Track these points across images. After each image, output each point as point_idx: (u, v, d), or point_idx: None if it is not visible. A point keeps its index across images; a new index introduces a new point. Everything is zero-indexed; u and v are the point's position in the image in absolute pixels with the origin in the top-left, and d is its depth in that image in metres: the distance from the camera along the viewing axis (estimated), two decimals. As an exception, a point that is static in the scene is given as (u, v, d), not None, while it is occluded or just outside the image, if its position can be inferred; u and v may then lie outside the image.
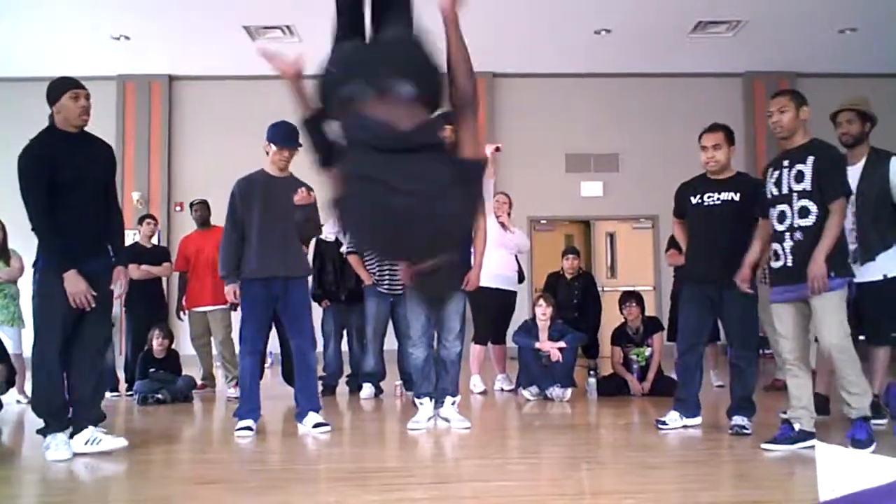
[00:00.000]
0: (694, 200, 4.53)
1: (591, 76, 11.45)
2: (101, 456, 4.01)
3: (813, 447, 3.69)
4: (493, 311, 6.75)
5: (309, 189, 4.72)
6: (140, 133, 11.50)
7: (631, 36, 10.18)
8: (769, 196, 4.07)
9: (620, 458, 3.89)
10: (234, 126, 11.34)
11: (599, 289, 7.89)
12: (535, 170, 11.29)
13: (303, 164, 4.87)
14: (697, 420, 4.54)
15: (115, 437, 4.15)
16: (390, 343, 6.53)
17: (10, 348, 6.12)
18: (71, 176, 3.98)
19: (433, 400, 4.84)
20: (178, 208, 11.33)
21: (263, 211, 4.67)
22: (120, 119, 11.41)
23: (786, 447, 3.83)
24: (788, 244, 3.93)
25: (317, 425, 4.62)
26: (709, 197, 4.47)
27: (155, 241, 7.98)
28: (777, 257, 4.00)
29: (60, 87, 4.05)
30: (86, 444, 4.03)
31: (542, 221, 11.58)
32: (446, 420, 4.75)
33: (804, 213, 3.88)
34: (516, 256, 7.04)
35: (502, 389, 6.80)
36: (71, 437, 4.05)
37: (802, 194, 3.89)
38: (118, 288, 4.22)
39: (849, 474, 1.66)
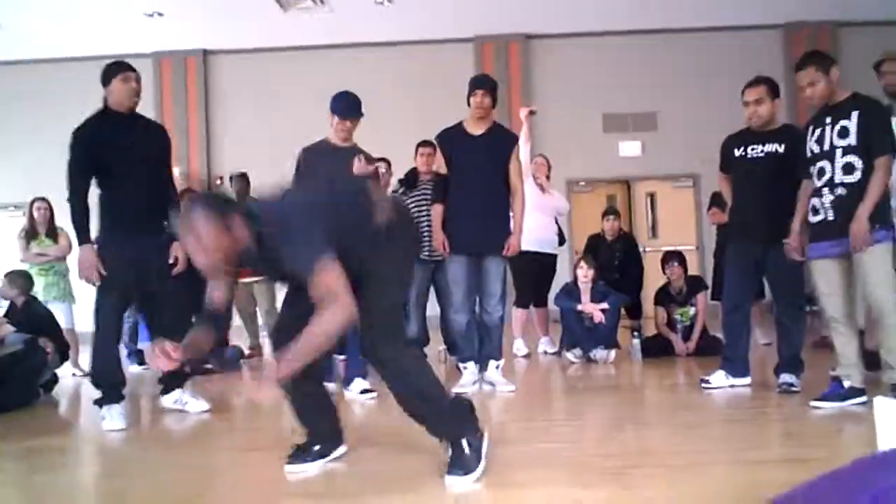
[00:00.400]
0: (738, 153, 4.43)
1: (627, 34, 11.24)
2: (153, 425, 4.13)
3: (863, 404, 3.70)
4: (533, 274, 6.73)
5: (370, 158, 4.80)
6: (178, 109, 11.62)
7: (667, -10, 9.96)
8: (809, 154, 3.93)
9: (665, 419, 3.88)
10: (270, 98, 11.41)
11: (641, 249, 7.81)
12: (572, 131, 11.18)
13: (367, 136, 4.95)
14: (746, 380, 4.48)
15: (202, 401, 4.53)
16: (432, 309, 6.55)
17: (63, 323, 6.28)
18: (120, 155, 4.18)
19: (477, 364, 4.87)
20: (218, 182, 11.46)
21: (328, 181, 4.68)
22: (157, 96, 11.53)
23: (835, 404, 3.78)
24: (828, 198, 3.80)
25: (364, 391, 4.68)
26: (752, 149, 4.37)
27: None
28: (816, 212, 3.89)
29: (112, 71, 4.27)
30: (174, 403, 4.51)
31: (581, 183, 11.48)
32: (491, 384, 4.77)
33: (849, 169, 3.74)
34: (556, 219, 7.00)
35: (546, 352, 6.81)
36: (161, 395, 4.55)
37: (847, 150, 3.75)
38: (178, 265, 4.38)
39: None
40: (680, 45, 11.33)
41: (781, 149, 4.29)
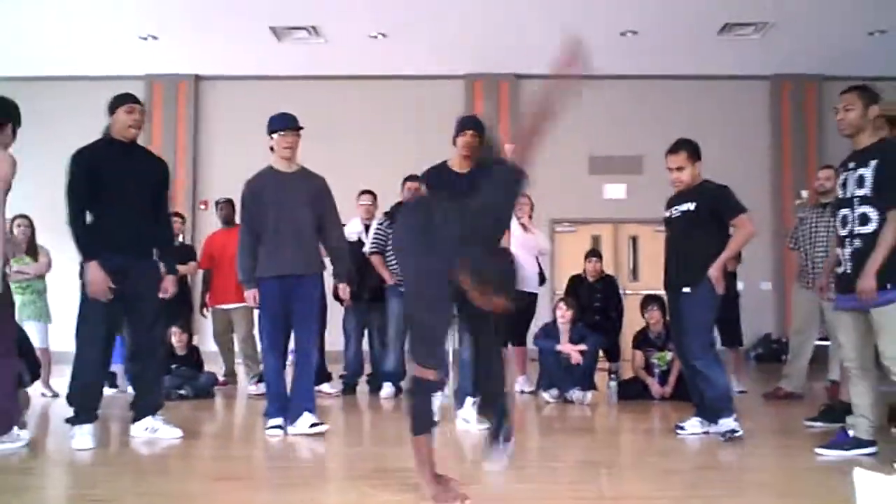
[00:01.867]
0: (666, 214, 4.71)
1: (616, 78, 11.38)
2: (123, 448, 4.08)
3: (871, 455, 3.73)
4: (513, 312, 6.73)
5: (321, 181, 4.81)
6: (167, 132, 11.62)
7: (657, 37, 10.12)
8: (836, 199, 3.99)
9: (640, 463, 3.87)
10: (260, 127, 11.22)
11: (621, 292, 7.84)
12: (557, 171, 11.23)
13: (356, 168, 4.97)
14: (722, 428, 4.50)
15: (173, 427, 4.46)
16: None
17: (37, 342, 6.19)
18: (116, 182, 4.31)
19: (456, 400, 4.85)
20: (202, 206, 11.43)
21: (274, 209, 4.63)
22: (147, 118, 11.51)
23: (840, 453, 3.80)
24: (848, 250, 3.83)
25: (313, 425, 4.54)
26: (675, 209, 4.63)
27: (180, 239, 8.05)
28: (840, 263, 3.93)
29: (119, 101, 4.45)
30: (145, 430, 4.43)
31: (565, 223, 11.54)
32: (466, 420, 4.75)
33: (864, 219, 3.75)
34: (537, 258, 7.02)
35: (522, 391, 6.79)
36: (133, 422, 4.48)
37: (863, 200, 3.75)
38: (163, 292, 4.56)
39: (888, 499, 1.66)
40: (668, 91, 11.49)
41: (692, 206, 4.50)
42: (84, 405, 4.24)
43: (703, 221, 4.46)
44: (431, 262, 2.86)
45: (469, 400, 4.78)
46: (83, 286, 4.26)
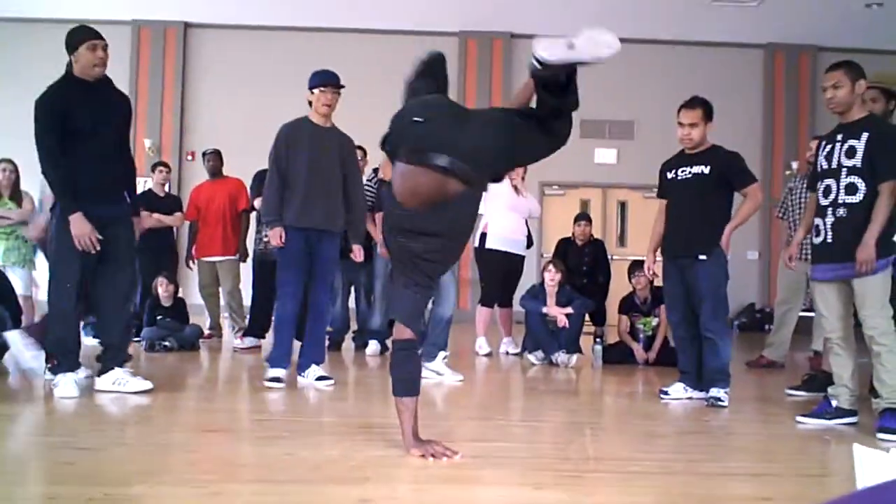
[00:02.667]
0: (669, 176, 4.62)
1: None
2: (106, 399, 4.06)
3: (852, 424, 3.79)
4: (501, 273, 6.75)
5: (350, 142, 4.82)
6: (154, 80, 11.44)
7: (652, 2, 10.01)
8: (818, 169, 3.98)
9: (624, 426, 3.90)
10: (249, 76, 11.27)
11: (609, 257, 7.85)
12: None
13: (345, 124, 4.89)
14: (704, 393, 4.54)
15: (141, 380, 4.28)
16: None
17: (20, 289, 6.13)
18: (84, 124, 4.08)
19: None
20: (189, 157, 11.31)
21: (310, 160, 4.62)
22: (134, 65, 11.35)
23: (822, 422, 3.85)
24: (830, 220, 3.84)
25: (320, 378, 4.64)
26: (682, 171, 4.54)
27: (167, 189, 7.96)
28: (818, 233, 3.93)
29: (79, 37, 4.13)
30: (113, 384, 4.21)
31: (554, 187, 11.51)
32: (438, 374, 4.79)
33: (851, 189, 3.76)
34: (526, 221, 7.01)
35: (507, 353, 6.82)
36: (99, 375, 4.25)
37: (852, 170, 3.77)
38: (135, 234, 4.42)
39: (887, 474, 1.66)
40: (662, 57, 11.42)
41: (707, 170, 4.44)
42: (64, 352, 4.17)
43: (715, 186, 4.42)
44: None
45: (441, 354, 4.83)
46: (54, 235, 4.14)
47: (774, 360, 6.23)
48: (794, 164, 11.12)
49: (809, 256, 5.86)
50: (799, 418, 3.93)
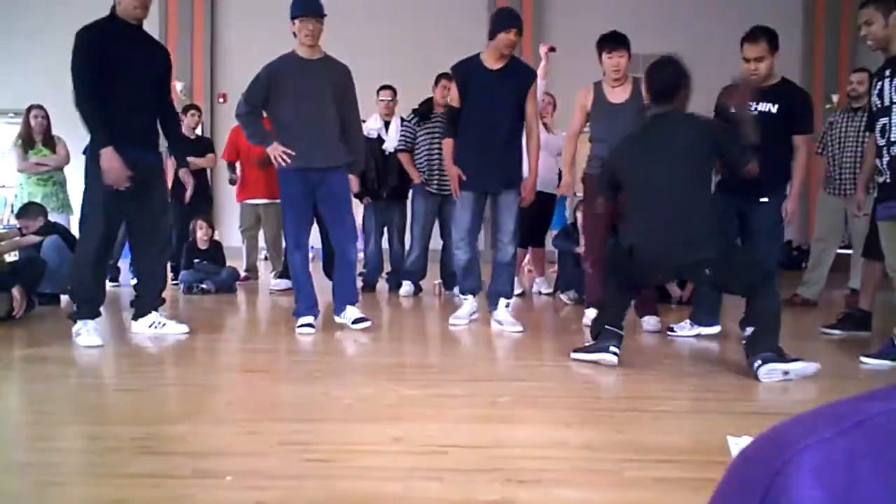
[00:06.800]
0: (731, 109, 4.29)
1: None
2: (146, 341, 4.17)
3: None
4: (533, 213, 6.70)
5: (345, 70, 4.62)
6: (183, 21, 11.39)
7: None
8: (873, 108, 3.84)
9: (655, 365, 3.91)
10: (280, 14, 11.11)
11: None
12: (581, 70, 10.97)
13: (376, 63, 4.81)
14: (714, 329, 4.55)
15: (178, 323, 4.39)
16: (434, 243, 6.56)
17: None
18: (123, 64, 4.07)
19: (476, 296, 4.90)
20: (221, 100, 11.31)
21: (297, 98, 4.46)
22: (163, 8, 11.28)
23: (885, 362, 3.79)
24: (887, 159, 3.72)
25: (356, 320, 4.65)
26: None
27: (198, 132, 7.99)
28: (879, 172, 3.82)
29: None
30: (150, 326, 4.36)
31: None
32: (499, 322, 4.77)
33: None
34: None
35: (540, 293, 6.84)
36: (135, 319, 4.37)
37: None
38: (187, 190, 4.70)
39: None
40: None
41: (774, 109, 4.23)
42: (85, 299, 4.14)
43: (782, 126, 4.17)
44: None
45: (503, 301, 4.80)
46: (88, 176, 4.12)
47: (808, 299, 6.17)
48: (835, 98, 10.81)
49: (848, 192, 5.79)
50: (863, 358, 3.86)
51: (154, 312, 4.40)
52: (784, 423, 0.52)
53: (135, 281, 4.85)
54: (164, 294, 4.61)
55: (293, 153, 4.44)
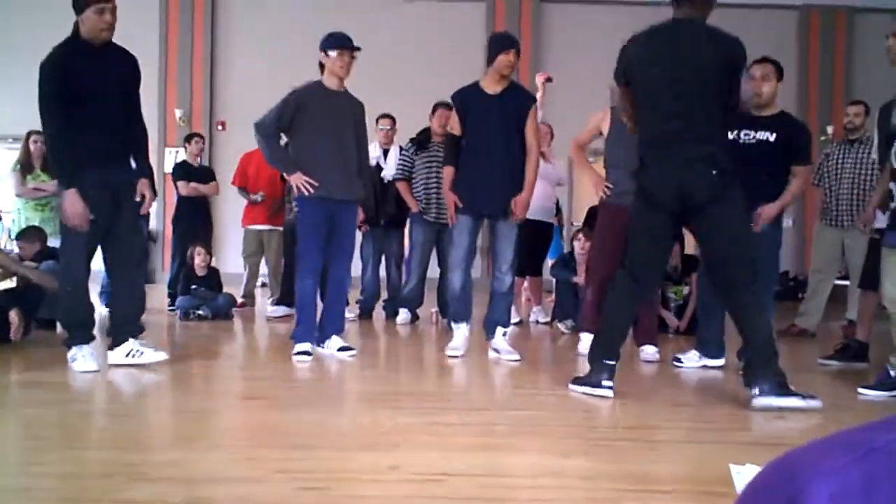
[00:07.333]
0: (730, 136, 4.24)
1: (641, 4, 11.08)
2: (142, 368, 4.14)
3: None
4: (530, 242, 6.72)
5: (362, 107, 4.71)
6: (183, 48, 11.45)
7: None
8: (890, 132, 3.86)
9: (653, 394, 3.90)
10: (279, 43, 11.23)
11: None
12: (579, 100, 11.07)
13: (374, 92, 4.77)
14: (719, 362, 4.53)
15: (156, 351, 4.21)
16: (432, 272, 6.56)
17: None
18: (90, 87, 3.94)
19: (485, 330, 4.86)
20: (219, 127, 11.36)
21: (324, 129, 4.53)
22: (163, 32, 11.34)
23: (882, 393, 3.78)
24: None
25: (342, 349, 4.65)
26: (745, 134, 4.27)
27: (199, 161, 8.00)
28: (893, 198, 3.80)
29: None
30: (127, 356, 4.12)
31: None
32: (496, 351, 4.75)
33: None
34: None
35: (538, 321, 6.83)
36: (111, 349, 4.16)
37: None
38: (145, 202, 4.22)
39: None
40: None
41: (772, 138, 4.23)
42: (77, 324, 4.08)
43: (778, 156, 4.17)
44: None
45: (500, 330, 4.79)
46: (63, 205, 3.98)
47: (806, 329, 6.17)
48: (830, 129, 10.89)
49: (844, 223, 5.81)
50: (860, 390, 3.84)
51: (131, 340, 4.17)
52: (795, 450, 0.52)
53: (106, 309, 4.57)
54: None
55: (316, 183, 4.47)
